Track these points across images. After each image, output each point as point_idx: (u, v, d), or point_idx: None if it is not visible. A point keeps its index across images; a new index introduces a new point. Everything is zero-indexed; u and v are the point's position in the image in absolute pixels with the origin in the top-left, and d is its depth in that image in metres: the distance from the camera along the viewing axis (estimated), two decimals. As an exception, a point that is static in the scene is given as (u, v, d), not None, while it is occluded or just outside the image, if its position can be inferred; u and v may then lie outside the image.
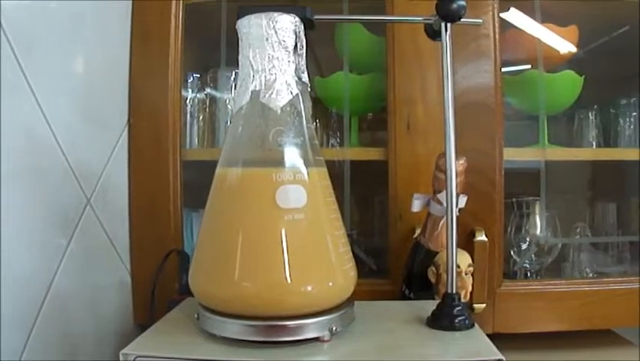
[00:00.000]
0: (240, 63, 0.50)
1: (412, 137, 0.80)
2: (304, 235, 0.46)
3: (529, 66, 0.88)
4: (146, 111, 0.83)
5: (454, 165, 0.54)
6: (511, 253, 0.89)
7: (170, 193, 0.83)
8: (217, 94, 0.92)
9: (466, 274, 0.64)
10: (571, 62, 0.88)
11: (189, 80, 0.91)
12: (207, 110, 0.92)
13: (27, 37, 0.58)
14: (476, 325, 0.51)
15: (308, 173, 0.48)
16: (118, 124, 0.80)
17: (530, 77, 0.86)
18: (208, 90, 0.93)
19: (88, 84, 0.72)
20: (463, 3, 0.52)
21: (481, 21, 0.54)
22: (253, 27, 0.48)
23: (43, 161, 0.62)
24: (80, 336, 0.69)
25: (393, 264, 0.80)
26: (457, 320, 0.50)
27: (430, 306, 0.54)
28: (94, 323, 0.72)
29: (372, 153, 0.84)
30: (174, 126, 0.83)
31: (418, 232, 0.76)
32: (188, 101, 0.91)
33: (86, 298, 0.70)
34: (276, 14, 0.48)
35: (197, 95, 0.92)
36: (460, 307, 0.51)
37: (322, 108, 0.95)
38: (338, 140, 0.98)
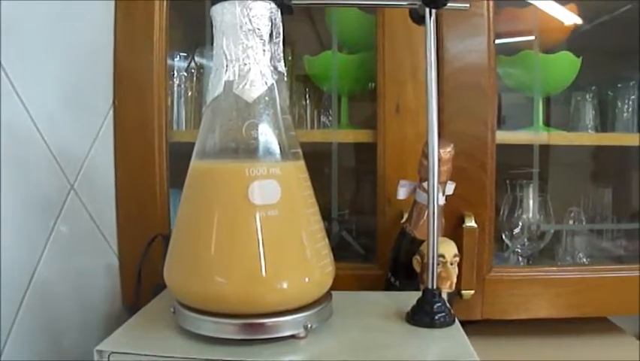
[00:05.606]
0: (214, 52, 0.48)
1: (401, 119, 0.78)
2: (278, 231, 0.45)
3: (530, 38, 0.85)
4: (130, 92, 0.81)
5: (437, 156, 0.53)
6: (503, 236, 0.88)
7: (156, 175, 0.81)
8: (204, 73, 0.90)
9: (451, 264, 0.63)
10: (569, 41, 0.84)
11: (175, 59, 0.89)
12: (194, 89, 0.90)
13: (6, 21, 0.56)
14: (457, 321, 0.50)
15: (283, 167, 0.46)
16: (103, 106, 0.78)
17: (526, 57, 0.83)
18: (194, 69, 0.90)
19: (71, 67, 0.70)
20: (449, -13, 0.49)
21: (467, 6, 0.51)
22: (226, 14, 0.46)
23: (24, 151, 0.61)
24: (64, 322, 0.69)
25: (381, 249, 0.79)
26: (436, 317, 0.49)
27: (412, 298, 0.53)
28: (79, 307, 0.72)
29: (361, 135, 0.82)
30: (159, 106, 0.81)
31: (405, 216, 0.75)
32: (175, 80, 0.88)
33: (71, 283, 0.70)
34: (250, 1, 0.46)
35: (184, 74, 0.89)
36: (440, 304, 0.50)
37: (314, 86, 0.93)
38: (330, 118, 0.96)
